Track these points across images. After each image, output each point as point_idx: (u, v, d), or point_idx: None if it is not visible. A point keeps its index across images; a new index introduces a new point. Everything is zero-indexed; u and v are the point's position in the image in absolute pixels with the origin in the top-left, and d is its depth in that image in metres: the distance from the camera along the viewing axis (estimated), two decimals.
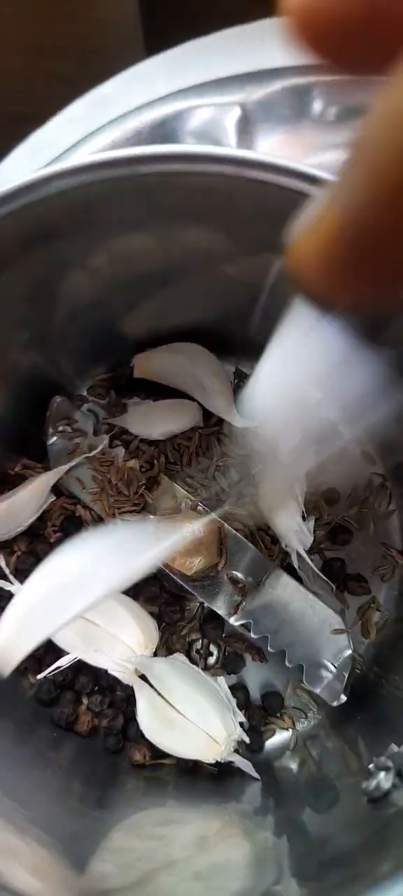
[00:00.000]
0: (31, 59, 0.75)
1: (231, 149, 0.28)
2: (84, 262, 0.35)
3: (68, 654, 0.39)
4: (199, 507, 0.42)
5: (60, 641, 0.39)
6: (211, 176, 0.28)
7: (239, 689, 0.42)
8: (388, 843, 0.29)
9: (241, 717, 0.40)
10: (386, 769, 0.31)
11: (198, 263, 0.37)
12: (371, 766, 0.32)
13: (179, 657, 0.41)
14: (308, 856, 0.33)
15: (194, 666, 0.41)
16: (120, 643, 0.39)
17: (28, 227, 0.29)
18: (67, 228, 0.31)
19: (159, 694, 0.39)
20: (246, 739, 0.39)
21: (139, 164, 0.28)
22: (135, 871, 0.31)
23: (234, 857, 0.33)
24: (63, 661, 0.39)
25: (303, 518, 0.43)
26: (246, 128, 0.57)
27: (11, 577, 0.40)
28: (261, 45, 0.58)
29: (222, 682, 0.41)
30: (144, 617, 0.41)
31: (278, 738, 0.43)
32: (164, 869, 0.31)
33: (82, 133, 0.58)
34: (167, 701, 0.39)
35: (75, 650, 0.39)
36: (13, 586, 0.39)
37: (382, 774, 0.31)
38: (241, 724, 0.40)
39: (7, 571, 0.40)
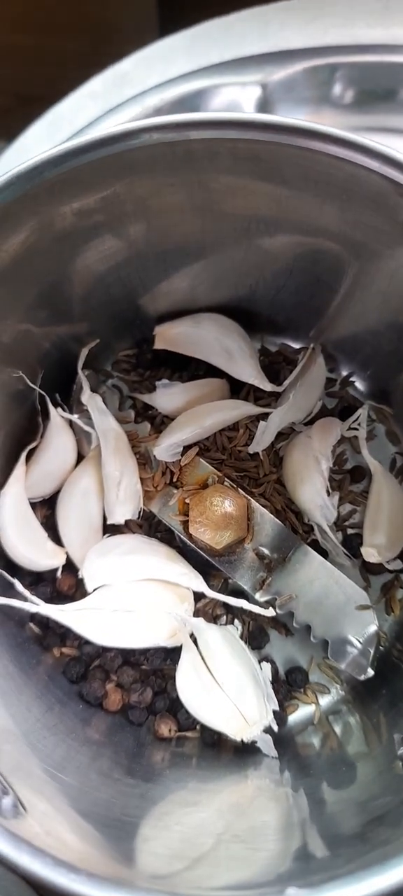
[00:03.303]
0: (42, 37, 0.74)
1: (281, 117, 0.27)
2: (122, 230, 0.35)
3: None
4: (226, 483, 0.42)
5: (101, 641, 0.39)
6: (262, 145, 0.28)
7: (269, 664, 0.42)
8: None
9: (275, 705, 0.40)
10: None
11: (235, 236, 0.37)
12: None
13: (232, 629, 0.41)
14: (327, 825, 0.34)
15: (243, 643, 0.41)
16: (160, 614, 0.39)
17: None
18: (111, 195, 0.31)
19: (203, 660, 0.39)
20: (275, 728, 0.39)
21: (190, 129, 0.28)
22: (173, 833, 0.31)
23: (267, 820, 0.33)
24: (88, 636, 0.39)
25: (328, 493, 0.43)
26: (266, 108, 0.57)
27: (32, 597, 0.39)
28: (281, 26, 0.58)
29: (266, 668, 0.41)
30: (172, 583, 0.41)
31: (301, 713, 0.43)
32: (191, 820, 0.32)
33: (101, 109, 0.57)
34: (209, 669, 0.39)
35: (118, 642, 0.40)
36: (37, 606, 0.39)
37: None
38: (274, 712, 0.40)
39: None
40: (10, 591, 0.39)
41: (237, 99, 0.56)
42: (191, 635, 0.40)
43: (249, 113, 0.27)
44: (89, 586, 0.40)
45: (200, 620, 0.40)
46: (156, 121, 0.27)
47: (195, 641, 0.40)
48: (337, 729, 0.43)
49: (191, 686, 0.39)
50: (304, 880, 0.27)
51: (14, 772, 0.29)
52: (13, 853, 0.25)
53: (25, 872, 0.24)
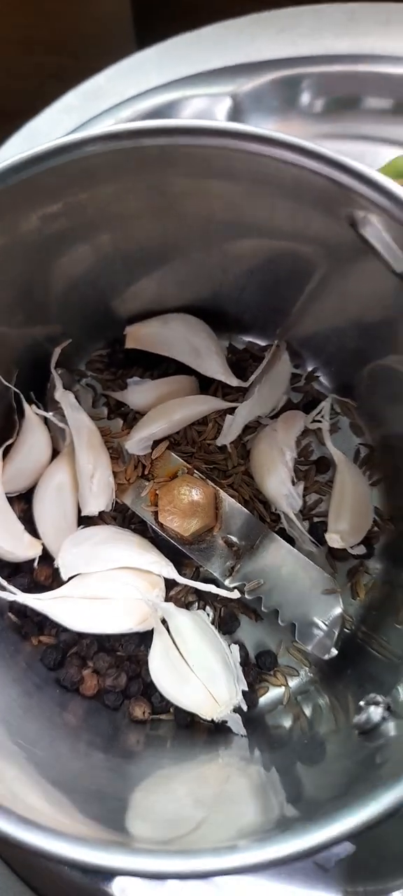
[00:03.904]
0: (22, 52, 0.76)
1: (230, 123, 0.29)
2: (87, 235, 0.37)
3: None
4: (196, 474, 0.44)
5: (76, 627, 0.41)
6: (212, 149, 0.30)
7: (239, 648, 0.44)
8: (376, 769, 0.31)
9: (244, 685, 0.42)
10: (376, 703, 0.33)
11: (195, 238, 0.39)
12: (361, 702, 0.34)
13: (202, 614, 0.43)
14: (298, 791, 0.35)
15: (212, 627, 0.42)
16: (132, 600, 0.41)
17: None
18: (73, 201, 0.33)
19: (175, 644, 0.41)
20: (244, 707, 0.41)
21: (143, 136, 0.30)
22: (147, 804, 0.33)
23: (235, 789, 0.35)
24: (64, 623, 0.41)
25: (293, 483, 0.45)
26: (236, 118, 0.59)
27: (9, 587, 0.41)
28: (251, 39, 0.60)
29: (235, 650, 0.42)
30: (144, 570, 0.43)
31: (271, 695, 0.45)
32: (164, 796, 0.33)
33: (76, 122, 0.60)
34: (180, 653, 0.41)
35: (92, 628, 0.41)
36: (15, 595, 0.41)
37: (372, 708, 0.33)
38: (243, 692, 0.41)
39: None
40: None
41: (208, 109, 0.58)
42: (164, 621, 0.42)
43: (197, 120, 0.29)
44: (64, 575, 0.42)
45: (170, 605, 0.41)
46: (110, 129, 0.29)
47: (167, 627, 0.42)
48: (306, 709, 0.44)
49: (163, 669, 0.41)
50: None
51: None
52: None
53: None
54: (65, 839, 0.26)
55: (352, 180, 0.30)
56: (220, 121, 0.56)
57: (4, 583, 0.41)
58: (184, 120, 0.29)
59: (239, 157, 0.31)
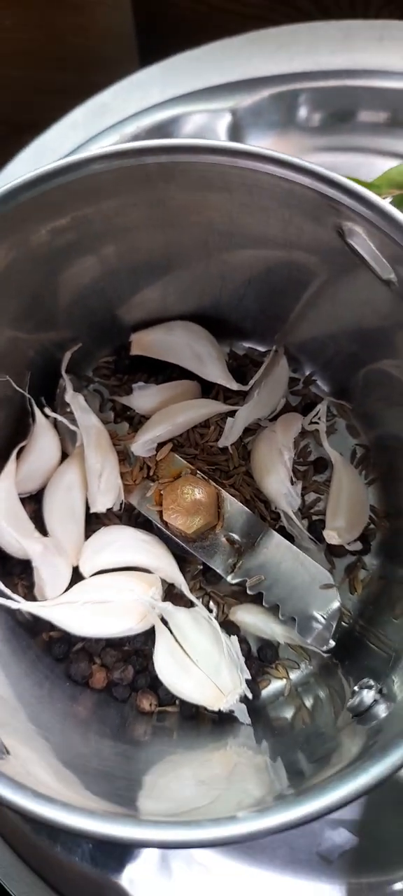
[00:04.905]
0: (31, 70, 0.79)
1: (225, 142, 0.31)
2: (93, 247, 0.39)
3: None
4: (198, 474, 0.46)
5: (79, 631, 0.43)
6: (210, 166, 0.32)
7: (241, 642, 0.46)
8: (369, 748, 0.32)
9: (248, 674, 0.43)
10: (369, 687, 0.35)
11: (195, 249, 0.41)
12: (355, 686, 0.36)
13: (201, 610, 0.44)
14: (301, 777, 0.37)
15: (214, 621, 0.44)
16: (131, 601, 0.43)
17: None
18: (80, 215, 0.35)
19: (177, 641, 0.43)
20: (249, 695, 0.43)
21: (145, 154, 0.32)
22: (144, 779, 0.34)
23: (241, 774, 0.37)
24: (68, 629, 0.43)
25: (291, 482, 0.47)
26: (236, 133, 0.61)
27: (15, 596, 0.42)
28: (249, 56, 0.62)
29: (234, 641, 0.44)
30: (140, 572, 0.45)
31: (273, 687, 0.47)
32: (171, 779, 0.35)
33: (82, 138, 0.62)
34: (183, 649, 0.43)
35: (95, 631, 0.43)
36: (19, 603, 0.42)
37: (365, 692, 0.35)
38: (247, 681, 0.43)
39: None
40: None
41: (209, 125, 0.61)
42: (164, 619, 0.43)
43: (194, 139, 0.31)
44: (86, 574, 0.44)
45: (168, 604, 0.43)
46: (114, 148, 0.31)
47: (168, 625, 0.43)
48: (307, 701, 0.46)
49: (167, 665, 0.43)
50: None
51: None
52: None
53: (7, 804, 0.28)
54: (74, 811, 0.27)
55: (338, 193, 0.32)
56: (217, 140, 0.58)
57: (8, 591, 0.42)
58: (182, 139, 0.31)
59: (234, 172, 0.33)
